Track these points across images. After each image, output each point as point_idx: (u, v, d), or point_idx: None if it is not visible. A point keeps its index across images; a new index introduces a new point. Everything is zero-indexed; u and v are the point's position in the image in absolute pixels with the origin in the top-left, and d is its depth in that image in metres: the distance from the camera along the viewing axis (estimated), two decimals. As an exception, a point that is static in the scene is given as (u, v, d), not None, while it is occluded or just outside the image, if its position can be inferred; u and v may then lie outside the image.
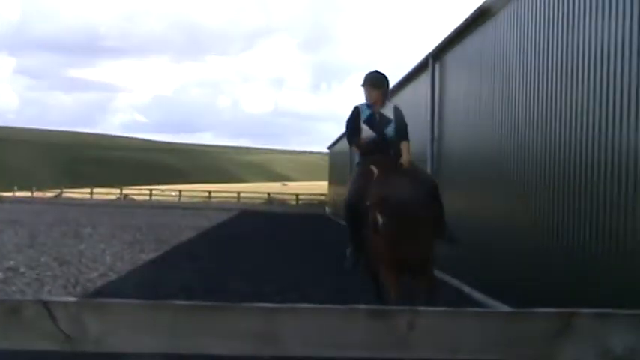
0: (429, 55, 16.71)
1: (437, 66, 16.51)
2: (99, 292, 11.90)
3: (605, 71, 7.98)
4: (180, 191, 77.82)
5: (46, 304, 1.85)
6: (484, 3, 12.49)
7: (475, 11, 13.09)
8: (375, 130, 8.52)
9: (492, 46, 12.53)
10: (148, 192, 75.88)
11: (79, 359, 2.64)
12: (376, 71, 8.91)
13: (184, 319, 1.98)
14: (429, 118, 16.58)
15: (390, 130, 8.55)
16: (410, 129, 8.74)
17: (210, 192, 72.76)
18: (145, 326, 1.93)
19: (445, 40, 15.47)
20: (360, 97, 8.99)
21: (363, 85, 8.74)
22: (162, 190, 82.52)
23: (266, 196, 74.64)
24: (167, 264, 16.63)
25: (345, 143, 12.83)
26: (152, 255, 18.41)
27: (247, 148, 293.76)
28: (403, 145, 8.48)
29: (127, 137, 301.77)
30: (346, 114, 9.01)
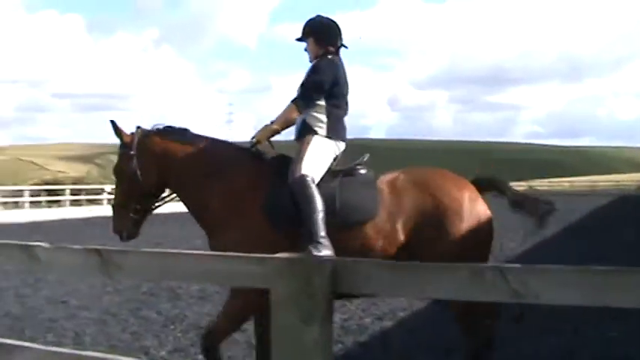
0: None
1: None
2: (518, 259, 11.73)
3: None
4: (570, 182, 74.36)
5: (501, 269, 1.93)
6: None
7: None
8: None
9: None
10: (547, 184, 73.51)
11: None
12: (317, 16, 4.49)
13: (598, 279, 1.93)
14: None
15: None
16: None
17: (595, 182, 68.20)
18: (571, 285, 1.91)
19: None
20: None
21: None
22: (553, 183, 79.40)
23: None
24: (566, 238, 16.02)
25: None
26: (553, 230, 17.38)
27: (621, 147, 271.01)
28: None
29: (528, 143, 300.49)
30: None
